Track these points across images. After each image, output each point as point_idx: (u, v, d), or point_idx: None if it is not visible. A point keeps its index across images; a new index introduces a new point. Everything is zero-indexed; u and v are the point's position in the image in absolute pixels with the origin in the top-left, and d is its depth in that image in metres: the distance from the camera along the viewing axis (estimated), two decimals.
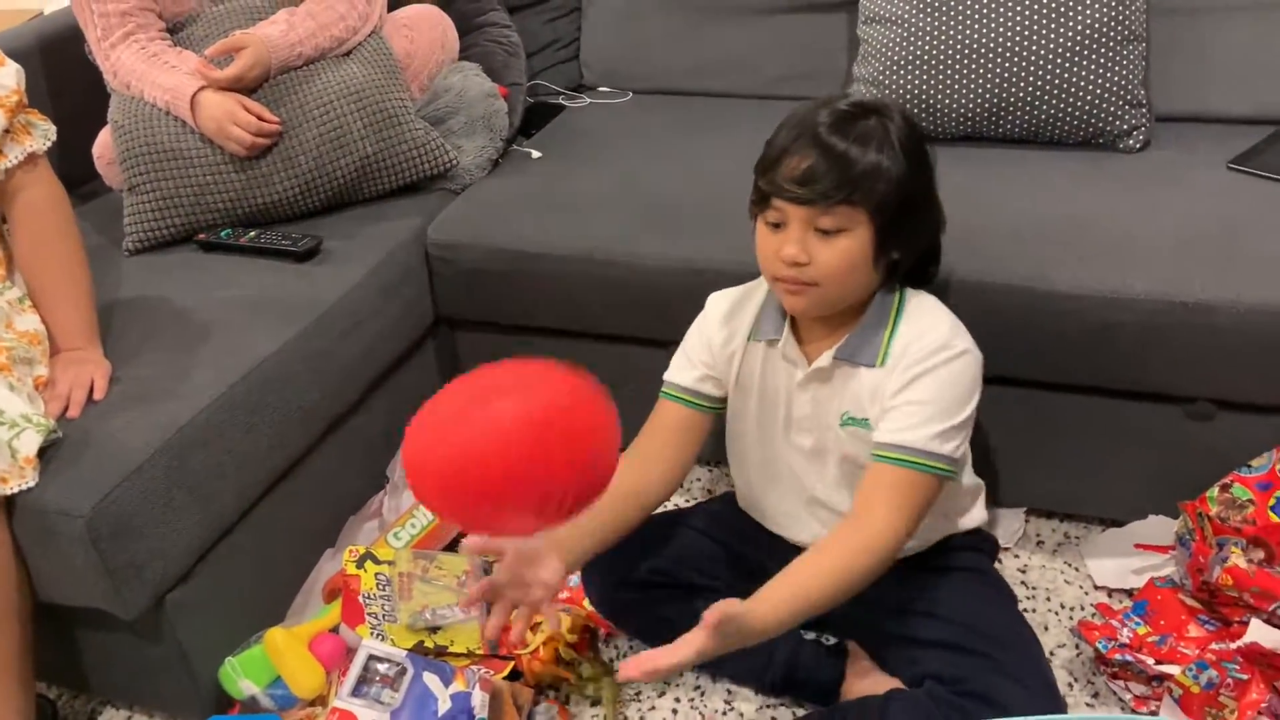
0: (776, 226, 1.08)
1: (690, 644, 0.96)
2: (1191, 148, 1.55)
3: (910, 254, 1.12)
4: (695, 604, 1.20)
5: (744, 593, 1.02)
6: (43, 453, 1.13)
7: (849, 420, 1.15)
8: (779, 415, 1.20)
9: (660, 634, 1.34)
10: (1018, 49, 1.53)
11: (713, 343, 1.22)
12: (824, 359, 1.14)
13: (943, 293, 1.34)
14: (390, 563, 1.36)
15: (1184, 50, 1.62)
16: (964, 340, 1.12)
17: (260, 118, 1.53)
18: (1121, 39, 1.52)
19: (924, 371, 1.09)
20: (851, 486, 1.18)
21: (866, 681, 1.24)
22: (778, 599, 1.03)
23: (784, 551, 1.24)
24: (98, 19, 1.59)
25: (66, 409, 1.21)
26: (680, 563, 1.28)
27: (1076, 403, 1.39)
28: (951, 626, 1.15)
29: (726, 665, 1.33)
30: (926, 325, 1.12)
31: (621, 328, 1.57)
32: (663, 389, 1.25)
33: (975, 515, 1.25)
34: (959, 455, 1.10)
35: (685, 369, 1.24)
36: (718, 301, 1.24)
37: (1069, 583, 1.44)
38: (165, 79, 1.54)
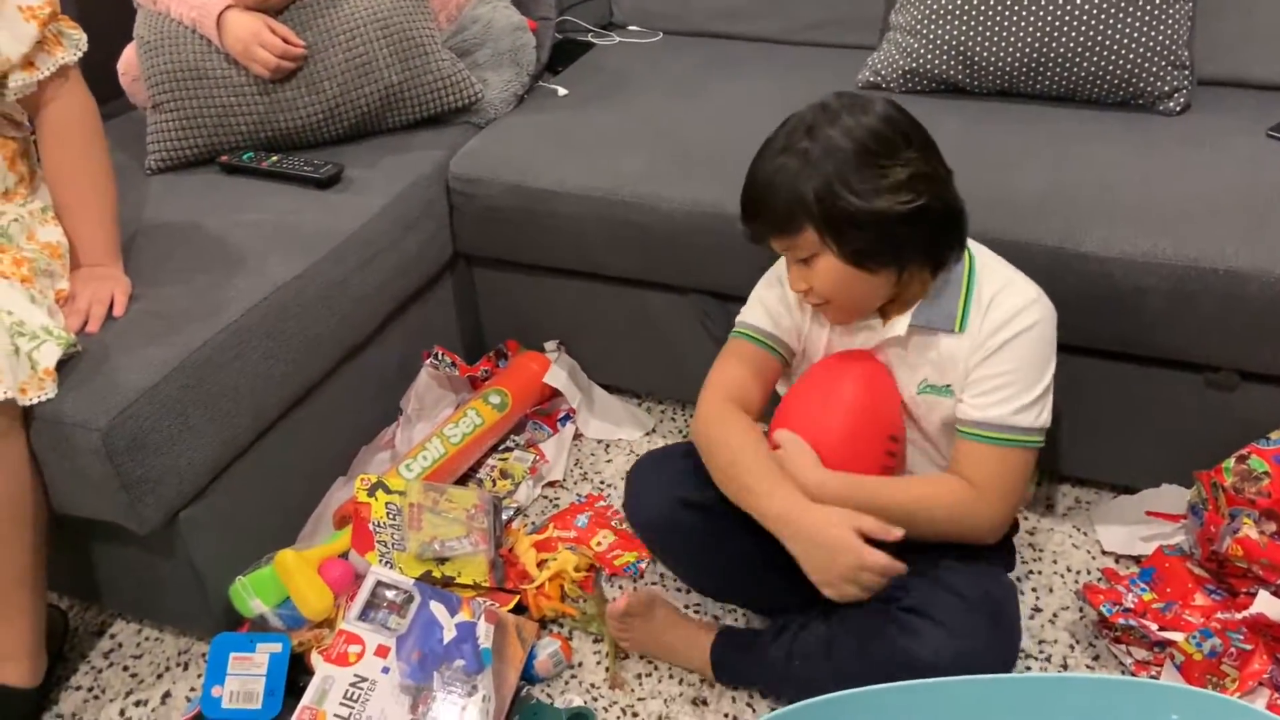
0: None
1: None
2: (1232, 113, 1.52)
3: (915, 244, 1.06)
4: (749, 541, 1.15)
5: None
6: (61, 366, 1.14)
7: (927, 388, 1.14)
8: None
9: (710, 566, 1.27)
10: (1061, 0, 1.49)
11: (790, 302, 1.21)
12: (899, 326, 1.13)
13: None
14: (401, 493, 1.37)
15: (1230, 12, 1.58)
16: (1033, 289, 1.11)
17: (286, 40, 1.51)
18: None
19: (1004, 343, 1.08)
20: (927, 446, 1.18)
21: None
22: (848, 480, 1.10)
23: None
24: None
25: (86, 323, 1.21)
26: None
27: (1098, 367, 1.37)
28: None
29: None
30: (1001, 283, 1.11)
31: (641, 272, 1.56)
32: (739, 329, 1.23)
33: None
34: (1044, 424, 1.10)
35: (765, 317, 1.22)
36: None
37: (1076, 547, 1.43)
38: None
